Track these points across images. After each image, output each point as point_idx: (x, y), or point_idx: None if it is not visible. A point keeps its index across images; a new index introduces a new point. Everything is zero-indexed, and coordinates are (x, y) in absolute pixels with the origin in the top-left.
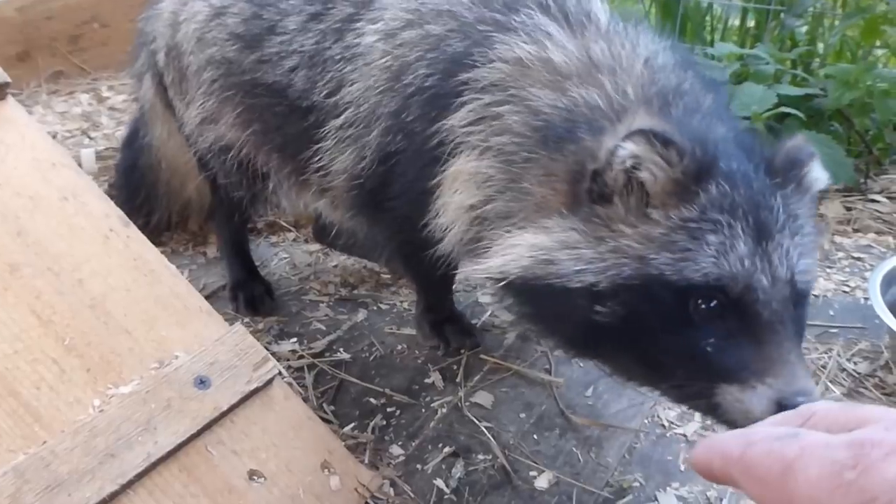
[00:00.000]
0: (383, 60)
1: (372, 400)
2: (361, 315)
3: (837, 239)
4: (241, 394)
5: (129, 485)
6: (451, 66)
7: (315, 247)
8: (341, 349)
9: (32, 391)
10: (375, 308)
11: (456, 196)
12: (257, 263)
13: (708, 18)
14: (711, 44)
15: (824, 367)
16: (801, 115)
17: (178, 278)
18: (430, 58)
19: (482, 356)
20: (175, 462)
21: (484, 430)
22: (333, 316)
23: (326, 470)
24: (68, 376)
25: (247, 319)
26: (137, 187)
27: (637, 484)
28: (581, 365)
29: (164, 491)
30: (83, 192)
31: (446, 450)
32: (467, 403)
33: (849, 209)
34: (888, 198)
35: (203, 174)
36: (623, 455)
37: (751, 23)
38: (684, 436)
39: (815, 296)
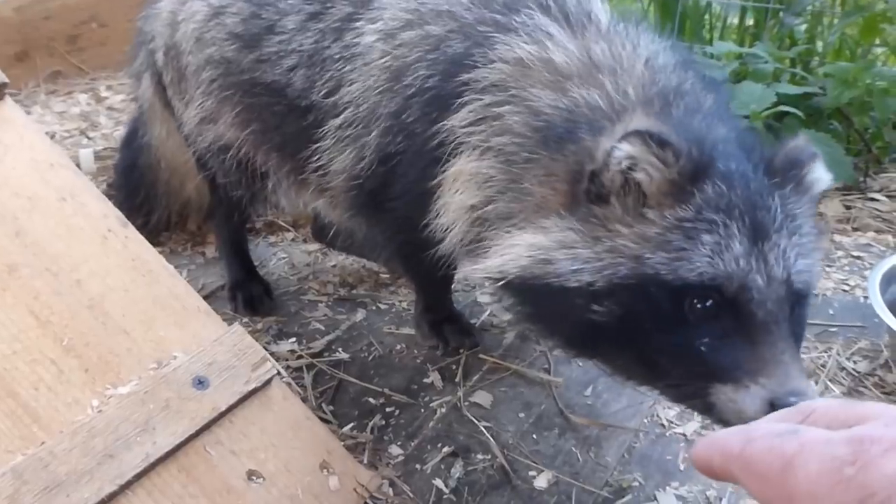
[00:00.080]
0: (383, 60)
1: (371, 400)
2: (360, 315)
3: (837, 238)
4: (239, 394)
5: (127, 485)
6: (452, 66)
7: (314, 246)
8: (340, 349)
9: (31, 392)
10: (374, 308)
11: (457, 196)
12: (256, 263)
13: (707, 17)
14: (710, 42)
15: (824, 365)
16: (800, 113)
17: (177, 278)
18: (431, 58)
19: (481, 356)
20: (174, 462)
21: (483, 429)
22: (332, 316)
23: (325, 470)
24: (67, 377)
25: (245, 319)
26: (136, 187)
27: (636, 483)
28: (580, 364)
29: (162, 491)
30: (81, 192)
31: (445, 450)
32: (466, 403)
33: (848, 208)
34: (888, 196)
35: (202, 174)
36: (622, 454)
37: (750, 21)
38: (684, 435)
39: (815, 294)
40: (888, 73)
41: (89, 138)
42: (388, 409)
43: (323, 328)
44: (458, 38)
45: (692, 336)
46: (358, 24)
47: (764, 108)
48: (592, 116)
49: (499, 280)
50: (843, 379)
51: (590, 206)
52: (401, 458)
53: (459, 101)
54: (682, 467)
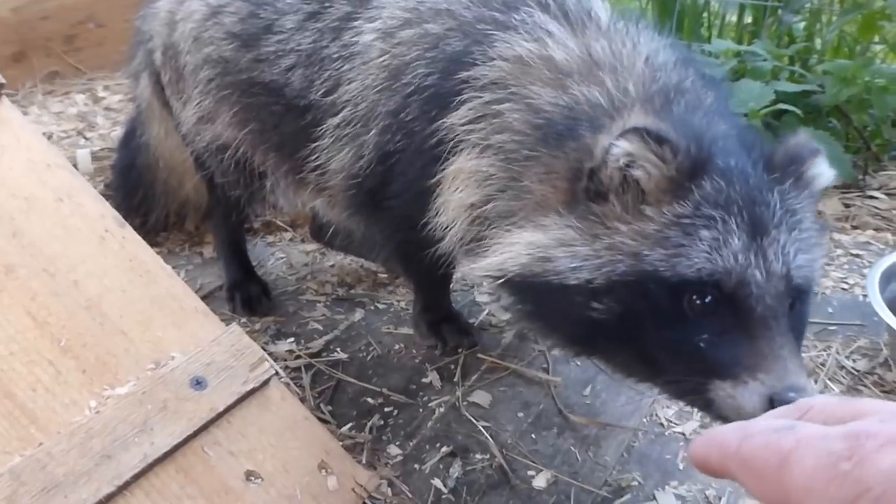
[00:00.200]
0: (381, 59)
1: (369, 400)
2: (359, 315)
3: (836, 236)
4: (237, 394)
5: (125, 486)
6: (451, 64)
7: (312, 246)
8: (338, 349)
9: (28, 393)
10: (373, 308)
11: (456, 194)
12: (254, 263)
13: (705, 15)
14: (709, 40)
15: (823, 364)
16: (798, 111)
17: (175, 279)
18: (430, 57)
19: (480, 355)
20: (172, 463)
21: (482, 429)
22: (330, 316)
23: (324, 470)
24: (64, 378)
25: (243, 320)
26: (135, 187)
27: (635, 483)
28: (579, 364)
29: (160, 492)
30: (78, 192)
31: (444, 449)
32: (465, 403)
33: (847, 206)
34: (887, 194)
35: (200, 173)
36: (621, 454)
37: (748, 19)
38: (683, 434)
39: (815, 293)
40: (887, 71)
41: (86, 139)
42: (386, 409)
43: (321, 328)
44: (457, 36)
45: (691, 332)
46: (356, 23)
47: (762, 106)
48: (593, 114)
49: (498, 278)
50: (843, 377)
51: (589, 204)
52: (399, 458)
53: (459, 98)
54: (681, 466)
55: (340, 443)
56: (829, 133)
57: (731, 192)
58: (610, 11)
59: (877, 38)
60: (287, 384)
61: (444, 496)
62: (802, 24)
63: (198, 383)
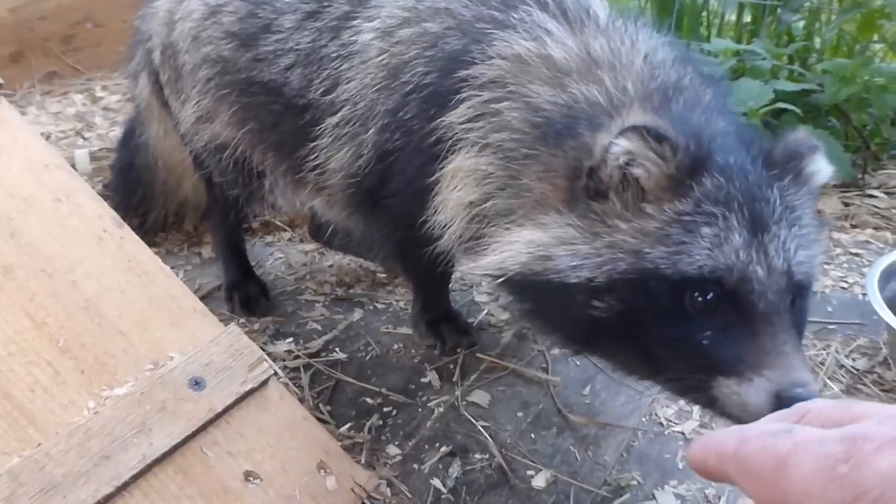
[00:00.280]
0: (380, 58)
1: (368, 400)
2: (357, 314)
3: (835, 235)
4: (236, 395)
5: (124, 487)
6: (450, 63)
7: (311, 246)
8: (337, 349)
9: (27, 393)
10: (371, 307)
11: (455, 193)
12: (253, 263)
13: (704, 14)
14: (708, 39)
15: (822, 363)
16: (797, 110)
17: (173, 279)
18: (428, 55)
19: (479, 355)
20: (170, 464)
21: (481, 429)
22: (329, 316)
23: (323, 470)
24: (62, 378)
25: (242, 320)
26: (134, 187)
27: (635, 482)
28: (578, 363)
29: (159, 493)
30: (77, 193)
31: (443, 449)
32: (464, 403)
33: (846, 205)
34: (886, 193)
35: (199, 173)
36: (621, 453)
37: (747, 18)
38: (682, 434)
39: (814, 292)
40: (886, 70)
41: (85, 139)
42: (385, 409)
43: (320, 328)
44: (455, 34)
45: (693, 330)
46: (355, 22)
47: (762, 105)
48: (592, 112)
49: (498, 277)
50: (842, 376)
51: (589, 202)
52: (398, 458)
53: (457, 97)
54: (680, 466)
55: (339, 443)
56: (829, 132)
57: (731, 189)
58: (608, 10)
59: (876, 37)
60: (286, 384)
61: (443, 496)
62: (802, 23)
63: (196, 384)
